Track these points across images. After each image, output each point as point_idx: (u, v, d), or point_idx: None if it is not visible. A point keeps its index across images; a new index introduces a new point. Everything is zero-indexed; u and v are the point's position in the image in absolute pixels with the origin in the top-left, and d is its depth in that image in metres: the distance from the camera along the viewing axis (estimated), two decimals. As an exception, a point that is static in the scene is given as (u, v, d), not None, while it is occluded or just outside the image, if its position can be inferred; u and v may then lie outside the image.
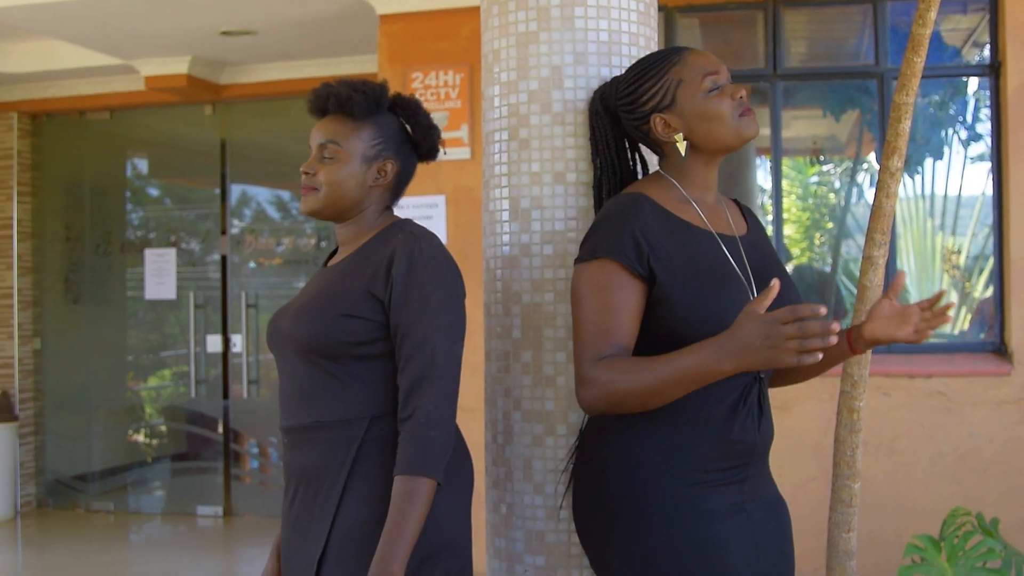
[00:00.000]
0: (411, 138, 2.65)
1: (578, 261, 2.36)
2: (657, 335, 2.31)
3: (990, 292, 6.46)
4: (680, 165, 2.47)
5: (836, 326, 1.95)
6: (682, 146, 2.43)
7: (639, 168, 2.65)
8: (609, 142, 2.58)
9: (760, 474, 2.45)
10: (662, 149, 2.49)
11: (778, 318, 1.99)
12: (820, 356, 1.96)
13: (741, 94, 2.42)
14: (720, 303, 2.28)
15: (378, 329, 2.42)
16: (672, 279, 2.29)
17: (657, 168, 2.53)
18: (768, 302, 2.04)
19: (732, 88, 2.42)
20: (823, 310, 1.96)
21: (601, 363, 2.24)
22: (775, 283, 2.03)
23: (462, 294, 2.47)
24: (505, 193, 2.77)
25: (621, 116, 2.53)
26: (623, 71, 2.70)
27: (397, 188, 2.64)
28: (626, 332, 2.28)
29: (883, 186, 3.35)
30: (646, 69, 2.47)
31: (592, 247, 2.33)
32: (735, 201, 2.65)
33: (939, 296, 2.48)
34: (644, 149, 2.66)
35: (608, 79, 2.68)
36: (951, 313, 2.49)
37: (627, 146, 2.62)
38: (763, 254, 2.53)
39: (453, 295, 2.43)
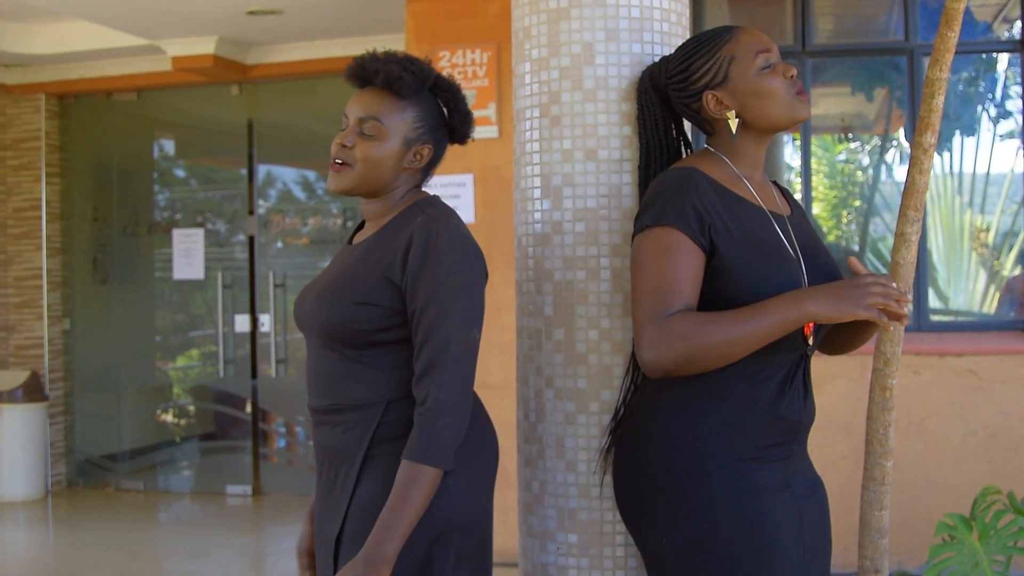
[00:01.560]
0: (447, 122, 2.61)
1: (638, 231, 2.36)
2: (712, 308, 2.31)
3: (1019, 270, 6.42)
4: (730, 143, 2.47)
5: (910, 297, 2.04)
6: (734, 123, 2.44)
7: (683, 148, 2.65)
8: (658, 121, 2.57)
9: (802, 452, 2.47)
10: (712, 127, 2.49)
11: (868, 278, 2.21)
12: (904, 320, 2.19)
13: (792, 73, 2.43)
14: (776, 276, 2.30)
15: (394, 315, 2.40)
16: (731, 251, 2.30)
17: (705, 146, 2.53)
18: (889, 286, 2.22)
19: (784, 67, 2.43)
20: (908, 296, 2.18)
21: (674, 318, 2.24)
22: (856, 265, 2.24)
23: (480, 279, 2.45)
24: (536, 171, 2.76)
25: (671, 94, 2.52)
26: (654, 47, 2.70)
27: (427, 170, 2.62)
28: (691, 292, 2.29)
29: (916, 162, 3.32)
30: (698, 47, 2.47)
31: (655, 215, 2.33)
32: (774, 183, 2.65)
33: None
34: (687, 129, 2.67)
35: (639, 55, 2.68)
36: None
37: (674, 126, 2.61)
38: (808, 235, 2.54)
39: (470, 281, 2.41)
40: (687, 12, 2.87)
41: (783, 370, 2.35)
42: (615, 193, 2.67)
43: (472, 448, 2.45)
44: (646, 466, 2.39)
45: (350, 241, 2.67)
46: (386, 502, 2.32)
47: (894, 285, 2.18)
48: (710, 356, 2.23)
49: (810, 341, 2.36)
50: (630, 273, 2.39)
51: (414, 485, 2.29)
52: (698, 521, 2.32)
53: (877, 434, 3.45)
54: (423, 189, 2.65)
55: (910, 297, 2.08)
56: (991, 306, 6.67)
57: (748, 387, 2.33)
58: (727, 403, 2.33)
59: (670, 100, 2.55)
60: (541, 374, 2.73)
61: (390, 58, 2.52)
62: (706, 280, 2.32)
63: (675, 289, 2.27)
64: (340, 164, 2.53)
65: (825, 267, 2.46)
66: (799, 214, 2.59)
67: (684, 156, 2.63)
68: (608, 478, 2.63)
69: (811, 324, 2.33)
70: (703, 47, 2.46)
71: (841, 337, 2.62)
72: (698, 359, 2.23)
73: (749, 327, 2.19)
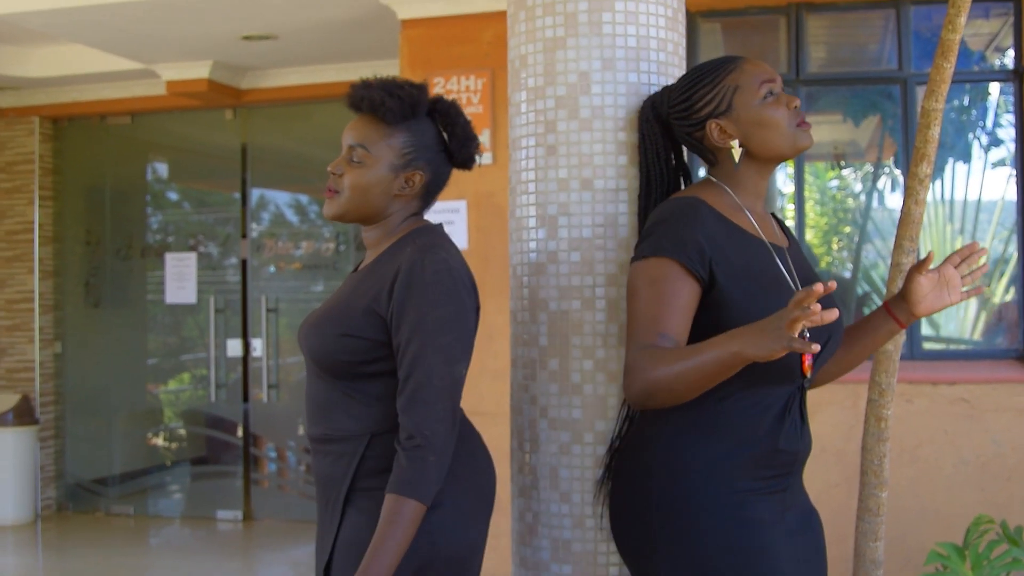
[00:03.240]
0: (446, 146, 2.59)
1: (636, 259, 2.35)
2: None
3: (1010, 296, 6.43)
4: (733, 173, 2.47)
5: (833, 313, 1.94)
6: (737, 153, 2.43)
7: (683, 179, 2.64)
8: (659, 151, 2.57)
9: (798, 485, 2.47)
10: (715, 156, 2.49)
11: (784, 311, 1.98)
12: (815, 349, 1.93)
13: (796, 104, 2.44)
14: (775, 310, 2.20)
15: (379, 348, 2.39)
16: (730, 283, 2.29)
17: (707, 176, 2.53)
18: (812, 299, 1.96)
19: (787, 98, 2.44)
20: (833, 285, 1.97)
21: (642, 352, 2.23)
22: (818, 286, 1.97)
23: (468, 312, 2.42)
24: (532, 200, 2.76)
25: (673, 124, 2.52)
26: (651, 76, 2.71)
27: (427, 196, 2.60)
28: (677, 325, 2.26)
29: (911, 193, 3.32)
30: (702, 76, 2.47)
31: (653, 246, 2.32)
32: (772, 215, 2.65)
33: (972, 248, 2.51)
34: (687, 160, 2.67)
35: (636, 85, 2.68)
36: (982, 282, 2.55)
37: (674, 156, 2.61)
38: (805, 267, 2.54)
39: (455, 314, 2.38)
40: (683, 41, 2.87)
41: (780, 401, 2.35)
42: (611, 223, 2.67)
43: (461, 482, 2.44)
44: (643, 498, 2.38)
45: (355, 268, 2.66)
46: (372, 533, 2.31)
47: (810, 308, 1.95)
48: (665, 392, 2.19)
49: (808, 374, 2.35)
50: (627, 300, 2.38)
51: (396, 519, 2.27)
52: (696, 554, 2.30)
53: (872, 465, 3.45)
54: (424, 216, 2.63)
55: (835, 313, 1.98)
56: (982, 333, 6.67)
57: (745, 419, 2.32)
58: (724, 435, 2.32)
59: (672, 129, 2.55)
60: (535, 404, 2.72)
61: (378, 84, 2.51)
62: (704, 312, 2.31)
63: (658, 323, 2.26)
64: (332, 191, 2.53)
65: (825, 300, 2.44)
66: (795, 246, 2.60)
67: (684, 187, 2.63)
68: (603, 509, 2.61)
69: (807, 356, 2.31)
70: (707, 76, 2.46)
71: (838, 367, 2.64)
72: (655, 394, 2.21)
73: (691, 364, 2.13)
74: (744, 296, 2.30)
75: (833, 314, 1.94)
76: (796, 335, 1.95)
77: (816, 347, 1.92)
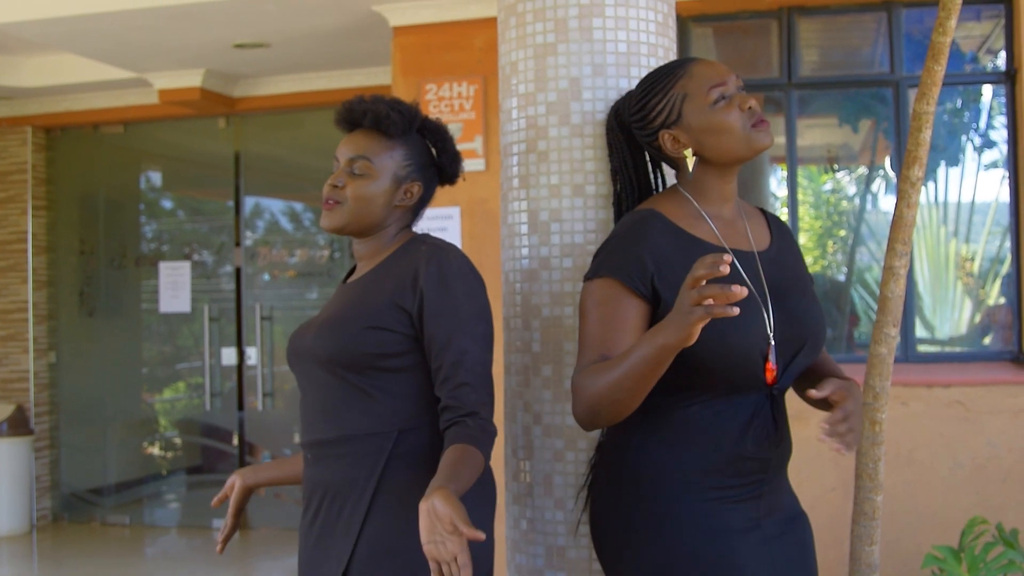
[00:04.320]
0: (436, 162, 2.65)
1: (585, 279, 2.35)
2: None
3: (1004, 299, 6.43)
4: (694, 181, 2.43)
5: (738, 288, 1.85)
6: (691, 161, 2.39)
7: (659, 182, 2.62)
8: (626, 159, 2.55)
9: (777, 489, 2.41)
10: (675, 164, 2.47)
11: (686, 284, 1.94)
12: (733, 311, 1.87)
13: (750, 104, 2.36)
14: (725, 322, 2.09)
15: (405, 341, 2.42)
16: (675, 298, 2.24)
17: (675, 182, 2.51)
18: (698, 275, 1.92)
19: (740, 98, 2.37)
20: (728, 257, 1.88)
21: (583, 371, 2.24)
22: (708, 257, 1.91)
23: (489, 304, 2.48)
24: (524, 206, 2.75)
25: (634, 132, 2.50)
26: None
27: (417, 209, 2.65)
28: (623, 346, 2.24)
29: (904, 196, 3.32)
30: (653, 84, 2.43)
31: (596, 266, 2.33)
32: (762, 211, 2.61)
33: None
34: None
35: (627, 90, 2.67)
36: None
37: (647, 160, 2.59)
38: (785, 267, 2.47)
39: (484, 306, 2.45)
40: (674, 47, 2.87)
41: (747, 410, 2.30)
42: (602, 228, 2.67)
43: (479, 482, 2.44)
44: (617, 505, 2.37)
45: (344, 282, 2.68)
46: (399, 534, 2.35)
47: (703, 282, 1.92)
48: (607, 405, 2.18)
49: (772, 382, 2.30)
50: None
51: (469, 460, 2.27)
52: (665, 562, 2.29)
53: (867, 468, 3.44)
54: (413, 229, 2.67)
55: (738, 288, 1.85)
56: (977, 336, 6.67)
57: (710, 427, 2.29)
58: (690, 443, 2.30)
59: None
60: (529, 410, 2.72)
61: (377, 99, 2.57)
62: None
63: (603, 345, 2.25)
64: (332, 203, 2.55)
65: (797, 306, 2.40)
66: (780, 245, 2.52)
67: (656, 191, 2.60)
68: (584, 516, 2.61)
69: (770, 363, 2.28)
70: (658, 84, 2.42)
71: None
72: (599, 410, 2.20)
73: (623, 371, 2.11)
74: None
75: (738, 291, 1.86)
76: (703, 305, 1.90)
77: (737, 290, 1.85)
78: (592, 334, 2.28)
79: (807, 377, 2.51)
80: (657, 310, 2.28)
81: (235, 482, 2.80)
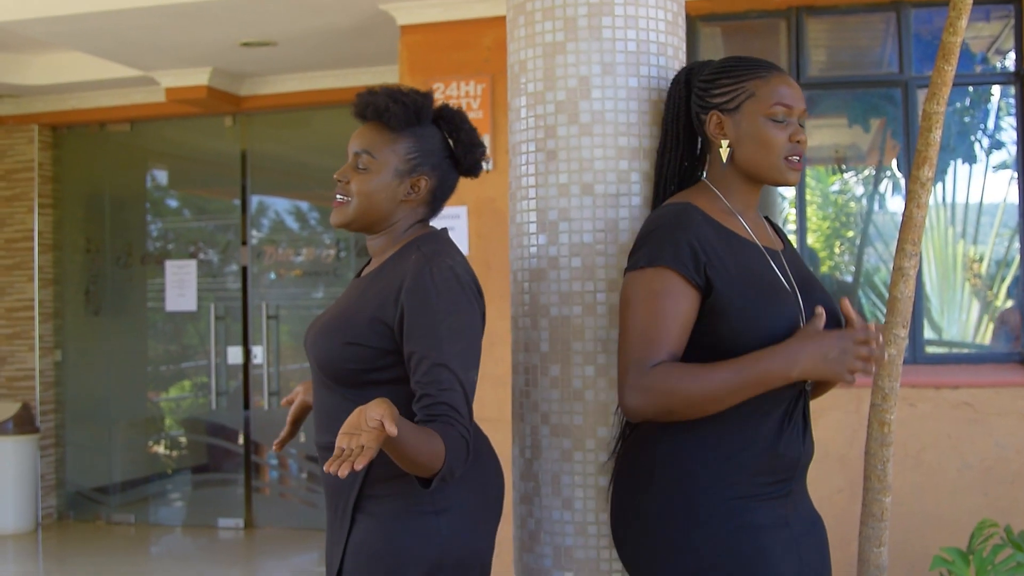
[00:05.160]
0: (452, 152, 2.60)
1: (631, 268, 2.34)
2: (704, 345, 2.29)
3: (1012, 301, 6.41)
4: (723, 177, 2.46)
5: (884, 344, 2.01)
6: (724, 152, 2.42)
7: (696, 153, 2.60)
8: (680, 114, 2.55)
9: (802, 489, 2.45)
10: (708, 148, 2.48)
11: (854, 336, 2.18)
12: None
13: (799, 139, 2.40)
14: (772, 314, 2.28)
15: (385, 356, 2.39)
16: (727, 288, 2.28)
17: (703, 179, 2.52)
18: (822, 324, 2.22)
19: (796, 129, 2.41)
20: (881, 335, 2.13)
21: (657, 369, 2.23)
22: (820, 311, 2.21)
23: (477, 320, 2.43)
24: (532, 205, 2.74)
25: (693, 96, 2.51)
26: (651, 81, 2.70)
27: (433, 203, 2.61)
28: (678, 340, 2.27)
29: (913, 196, 3.31)
30: (734, 67, 2.45)
31: (649, 255, 2.31)
32: (766, 219, 2.63)
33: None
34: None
35: (636, 89, 2.68)
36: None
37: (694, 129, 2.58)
38: (802, 269, 2.52)
39: (466, 323, 2.38)
40: (683, 46, 2.86)
41: (781, 407, 2.33)
42: (612, 228, 2.65)
43: (469, 488, 2.44)
44: (644, 504, 2.36)
45: (358, 274, 2.66)
46: (381, 539, 2.35)
47: (875, 344, 2.21)
48: (690, 410, 2.24)
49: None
50: (619, 309, 2.36)
51: (424, 433, 2.18)
52: (697, 560, 2.29)
53: (875, 469, 3.43)
54: (431, 223, 2.64)
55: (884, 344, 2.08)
56: (985, 337, 6.65)
57: (746, 425, 2.30)
58: (724, 441, 2.30)
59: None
60: (537, 410, 2.71)
61: (383, 91, 2.53)
62: (700, 318, 2.30)
63: (662, 336, 2.25)
64: (340, 200, 2.54)
65: (821, 301, 2.42)
66: (790, 249, 2.58)
67: (695, 161, 2.60)
68: (604, 516, 2.60)
69: None
70: (736, 70, 2.44)
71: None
72: (678, 412, 2.25)
73: (732, 383, 2.20)
74: (741, 300, 2.29)
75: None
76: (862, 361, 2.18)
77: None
78: (647, 326, 2.27)
79: None
80: (707, 300, 2.29)
81: (299, 392, 2.82)
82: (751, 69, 2.43)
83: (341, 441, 2.02)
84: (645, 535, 2.36)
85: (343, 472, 1.96)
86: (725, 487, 2.30)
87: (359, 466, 1.96)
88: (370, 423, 2.01)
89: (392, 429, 1.99)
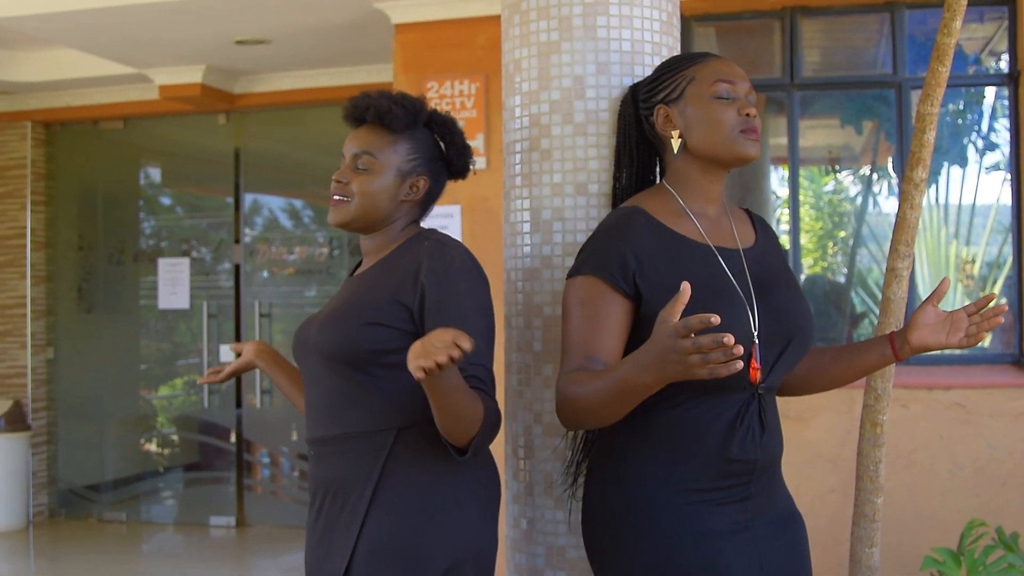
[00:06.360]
0: (444, 155, 2.65)
1: (568, 276, 2.35)
2: None
3: (1004, 302, 6.42)
4: (679, 173, 2.43)
5: (730, 338, 1.80)
6: (676, 143, 2.40)
7: (655, 168, 2.60)
8: (630, 131, 2.54)
9: (768, 490, 2.39)
10: (662, 147, 2.47)
11: (675, 331, 1.87)
12: (738, 367, 1.84)
13: (749, 112, 2.37)
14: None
15: (404, 337, 2.40)
16: (658, 296, 2.22)
17: (661, 180, 2.51)
18: (677, 309, 1.90)
19: (743, 103, 2.38)
20: (715, 319, 1.81)
21: (567, 377, 2.22)
22: (684, 287, 1.92)
23: (491, 300, 2.48)
24: (526, 204, 2.74)
25: (639, 104, 2.51)
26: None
27: (425, 204, 2.65)
28: (607, 346, 2.24)
29: (907, 197, 3.31)
30: (672, 64, 2.46)
31: (579, 263, 2.33)
32: (746, 211, 2.61)
33: (988, 299, 2.46)
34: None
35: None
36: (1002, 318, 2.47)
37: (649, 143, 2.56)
38: (769, 266, 2.47)
39: (486, 301, 2.44)
40: (678, 46, 2.86)
41: (731, 410, 2.29)
42: (605, 227, 2.65)
43: (481, 480, 2.47)
44: (604, 506, 2.37)
45: (351, 275, 2.69)
46: (400, 534, 2.35)
47: (699, 326, 1.84)
48: (589, 418, 2.19)
49: (756, 383, 2.28)
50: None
51: (470, 394, 2.22)
52: (650, 563, 2.28)
53: (867, 470, 3.43)
54: (421, 224, 2.67)
55: (729, 338, 1.80)
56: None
57: (693, 428, 2.27)
58: (675, 443, 2.28)
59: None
60: (530, 410, 2.71)
61: (381, 95, 2.58)
62: (637, 326, 2.28)
63: (588, 345, 2.24)
64: (339, 199, 2.56)
65: (782, 303, 2.39)
66: (765, 244, 2.52)
67: (655, 174, 2.59)
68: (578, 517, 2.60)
69: (754, 362, 2.26)
70: (675, 64, 2.45)
71: (823, 379, 2.60)
72: (582, 421, 2.22)
73: (606, 391, 2.09)
74: None
75: (737, 349, 1.82)
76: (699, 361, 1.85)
77: (727, 340, 1.80)
78: (576, 334, 2.27)
79: (826, 371, 2.59)
80: (640, 308, 2.28)
81: (249, 350, 2.85)
82: (687, 59, 2.45)
83: (415, 363, 1.99)
84: (604, 537, 2.37)
85: (442, 359, 1.96)
86: (677, 493, 2.28)
87: (443, 361, 1.97)
88: (442, 342, 1.99)
89: (467, 344, 1.99)
